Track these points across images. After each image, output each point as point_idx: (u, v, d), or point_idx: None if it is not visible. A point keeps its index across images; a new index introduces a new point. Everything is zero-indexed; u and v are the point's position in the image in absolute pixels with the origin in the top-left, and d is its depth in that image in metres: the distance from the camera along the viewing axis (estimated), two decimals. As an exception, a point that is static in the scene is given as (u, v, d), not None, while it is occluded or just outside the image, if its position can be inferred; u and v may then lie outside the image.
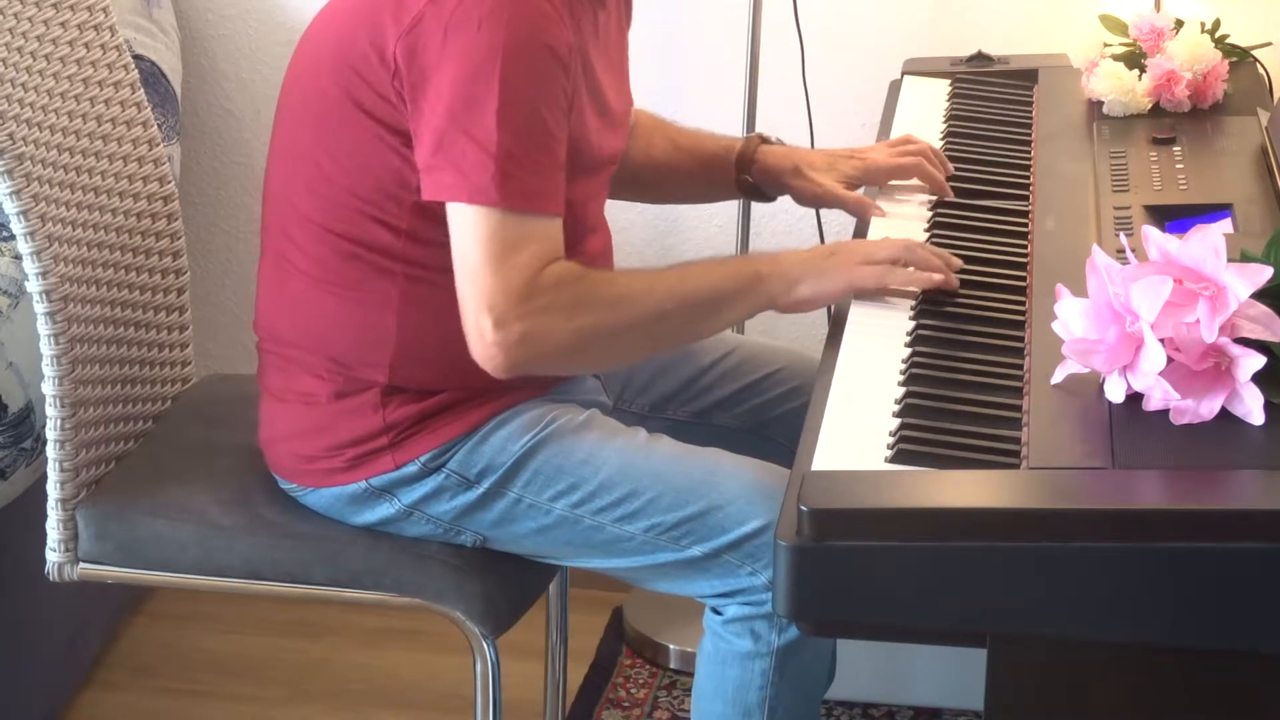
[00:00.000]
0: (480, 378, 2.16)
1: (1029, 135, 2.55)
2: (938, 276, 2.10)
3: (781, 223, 3.16)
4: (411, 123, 2.06)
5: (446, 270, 2.12)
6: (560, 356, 2.08)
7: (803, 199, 2.43)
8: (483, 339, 2.03)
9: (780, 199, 2.51)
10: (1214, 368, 1.73)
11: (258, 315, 2.28)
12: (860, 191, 2.41)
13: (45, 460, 2.28)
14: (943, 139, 2.55)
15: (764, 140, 2.45)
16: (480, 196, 2.02)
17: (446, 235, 2.09)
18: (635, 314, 2.09)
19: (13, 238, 2.24)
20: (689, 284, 2.11)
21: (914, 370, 1.92)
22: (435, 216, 2.10)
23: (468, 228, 2.04)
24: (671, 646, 3.06)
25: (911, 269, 2.11)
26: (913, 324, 2.04)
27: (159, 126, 2.51)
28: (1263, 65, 2.77)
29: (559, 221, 2.08)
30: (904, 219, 2.33)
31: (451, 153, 2.03)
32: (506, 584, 2.23)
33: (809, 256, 2.16)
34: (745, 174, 2.44)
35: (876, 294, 2.12)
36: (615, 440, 2.18)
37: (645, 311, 2.09)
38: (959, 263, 2.14)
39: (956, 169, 2.42)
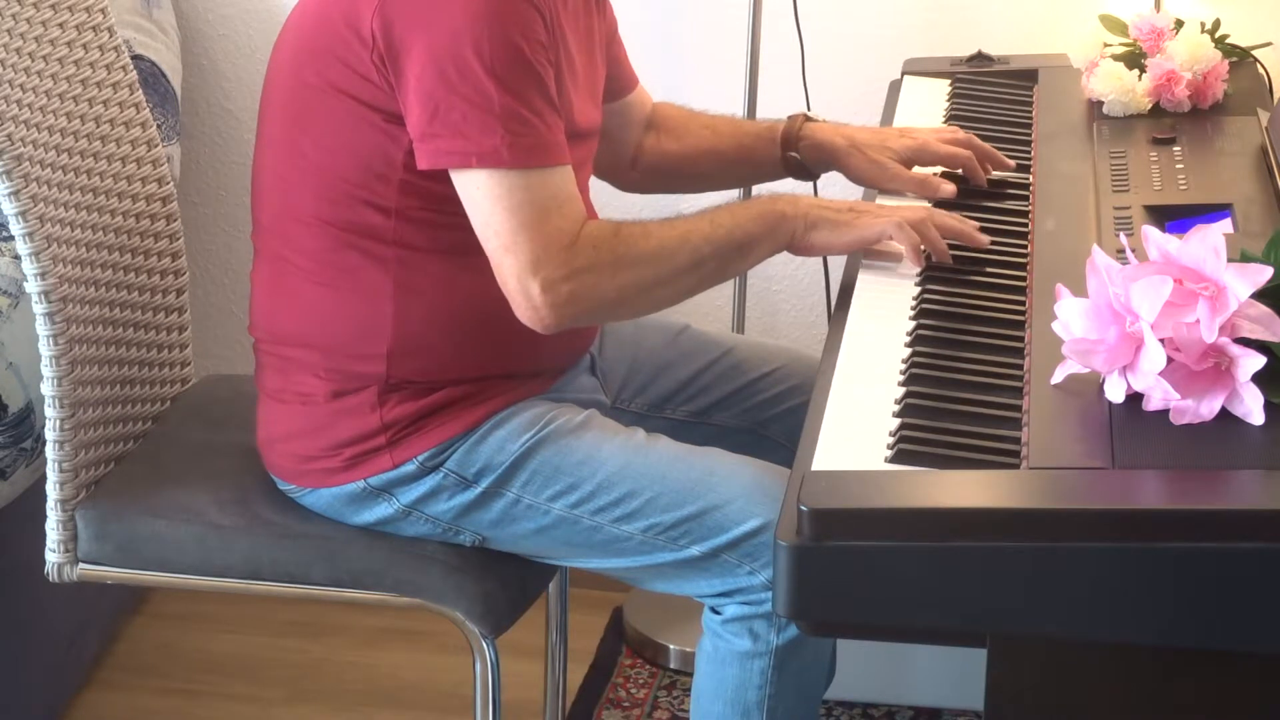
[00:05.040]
0: (478, 368, 2.18)
1: (1029, 135, 2.55)
2: (942, 248, 2.15)
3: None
4: (398, 94, 2.07)
5: (439, 253, 2.13)
6: (605, 311, 2.16)
7: (859, 176, 2.41)
8: (530, 302, 2.06)
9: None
10: (1214, 368, 1.73)
11: (253, 316, 2.28)
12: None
13: (45, 460, 2.28)
14: (943, 139, 2.55)
15: (809, 118, 2.46)
16: (492, 160, 2.04)
17: (436, 213, 2.11)
18: (672, 265, 2.13)
19: (12, 238, 2.24)
20: (720, 230, 2.15)
21: (914, 370, 1.92)
22: (424, 194, 2.11)
23: (492, 197, 2.05)
24: (671, 646, 3.06)
25: (914, 235, 2.15)
26: (913, 324, 2.04)
27: (159, 126, 2.51)
28: (1263, 65, 2.77)
29: (570, 169, 2.10)
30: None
31: (450, 118, 2.04)
32: (506, 584, 2.23)
33: (829, 204, 2.21)
34: (792, 151, 2.44)
35: (882, 253, 2.17)
36: (614, 440, 2.18)
37: (681, 262, 2.13)
38: (982, 240, 2.18)
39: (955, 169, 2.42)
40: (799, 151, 2.43)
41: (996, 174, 2.42)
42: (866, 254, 2.21)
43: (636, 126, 2.48)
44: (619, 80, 2.42)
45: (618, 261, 2.09)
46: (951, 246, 2.17)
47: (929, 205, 2.28)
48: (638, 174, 2.50)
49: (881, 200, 2.35)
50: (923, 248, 2.16)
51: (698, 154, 2.49)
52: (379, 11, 2.06)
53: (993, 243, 2.21)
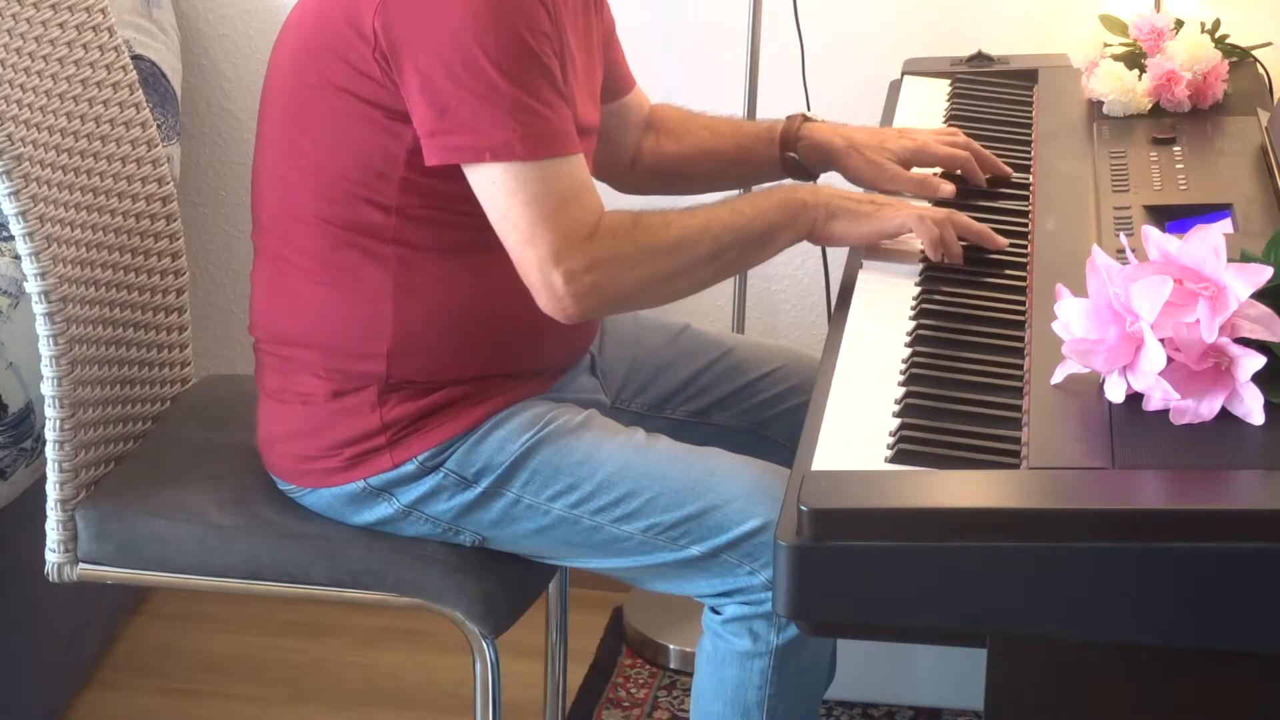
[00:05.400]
0: (478, 367, 2.18)
1: (1029, 135, 2.55)
2: (956, 252, 2.15)
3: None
4: (402, 91, 2.07)
5: (439, 252, 2.14)
6: (627, 300, 2.15)
7: (857, 177, 2.41)
8: (553, 293, 2.06)
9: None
10: (1214, 368, 1.73)
11: (254, 316, 2.28)
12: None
13: (45, 460, 2.28)
14: (943, 139, 2.55)
15: (807, 118, 2.46)
16: (505, 153, 2.04)
17: (436, 210, 2.12)
18: (694, 254, 2.13)
19: (12, 238, 2.24)
20: (741, 219, 2.15)
21: (914, 370, 1.92)
22: (424, 191, 2.11)
23: (508, 190, 2.05)
24: (671, 646, 3.06)
25: (936, 231, 2.15)
26: (913, 324, 2.04)
27: (159, 126, 2.51)
28: (1263, 65, 2.77)
29: (583, 159, 2.11)
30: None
31: (460, 113, 2.04)
32: (506, 584, 2.23)
33: (849, 195, 2.21)
34: (790, 151, 2.44)
35: (894, 249, 2.19)
36: (613, 440, 2.18)
37: (702, 251, 2.13)
38: (1001, 242, 2.18)
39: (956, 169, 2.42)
40: (797, 152, 2.44)
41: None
42: (874, 250, 2.21)
43: (635, 128, 2.48)
44: (617, 81, 2.42)
45: (639, 251, 2.09)
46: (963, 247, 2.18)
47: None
48: (637, 175, 2.51)
49: None
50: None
51: (697, 155, 2.49)
52: (381, 9, 2.06)
53: (994, 243, 2.21)
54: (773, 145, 2.45)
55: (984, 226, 2.19)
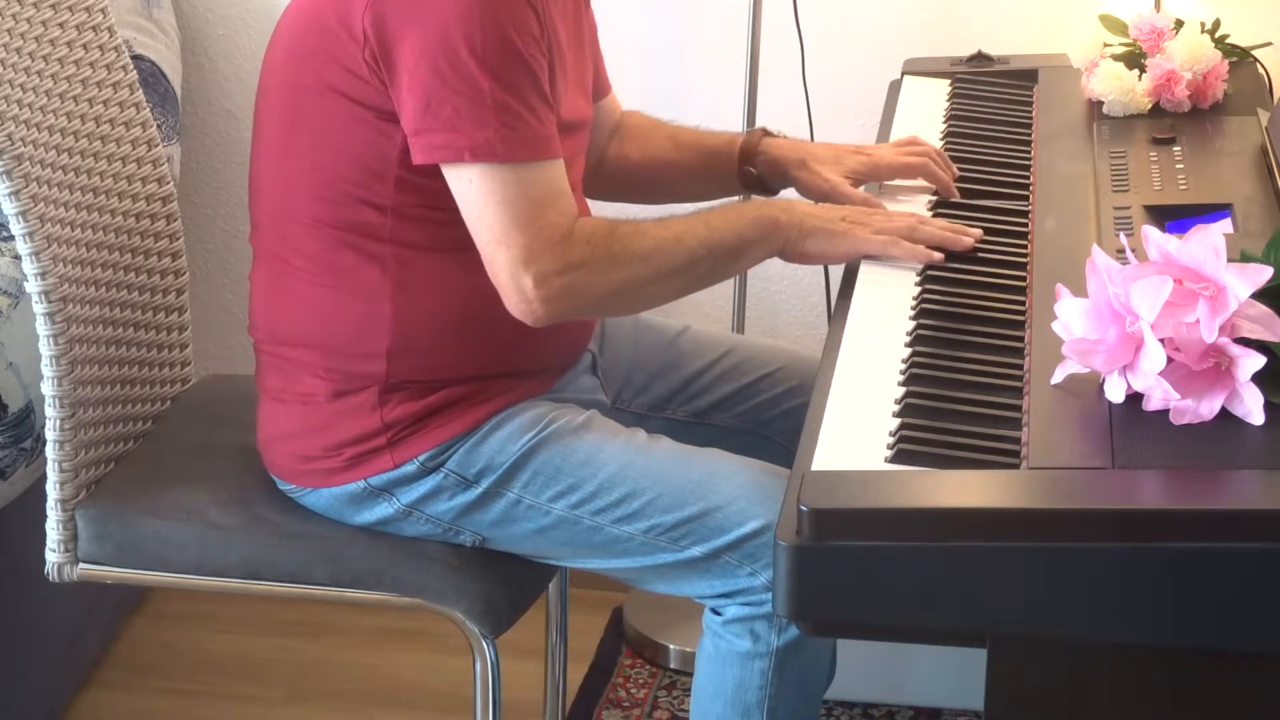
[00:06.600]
0: (478, 366, 2.18)
1: (1029, 135, 2.55)
2: (938, 255, 2.16)
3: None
4: (391, 91, 2.07)
5: (436, 251, 2.14)
6: (596, 307, 2.17)
7: (808, 192, 2.41)
8: (522, 295, 2.07)
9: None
10: (1214, 368, 1.73)
11: (253, 317, 2.28)
12: (862, 189, 2.41)
13: (45, 460, 2.28)
14: (943, 139, 2.55)
15: (767, 133, 2.46)
16: (485, 154, 2.04)
17: (432, 209, 2.12)
18: (666, 264, 2.13)
19: (12, 238, 2.24)
20: (715, 233, 2.16)
21: (914, 370, 1.92)
22: (420, 190, 2.11)
23: (485, 191, 2.05)
24: (671, 646, 3.06)
25: (915, 245, 2.16)
26: (913, 324, 2.04)
27: (159, 126, 2.51)
28: (1263, 65, 2.77)
29: (563, 164, 2.10)
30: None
31: (443, 112, 2.04)
32: (506, 584, 2.23)
33: (821, 212, 2.21)
34: (749, 166, 2.44)
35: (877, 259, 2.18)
36: (615, 441, 2.18)
37: (675, 262, 2.14)
38: (976, 233, 2.19)
39: (957, 169, 2.42)
40: (755, 166, 2.44)
41: (997, 174, 2.42)
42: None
43: (604, 132, 2.48)
44: (595, 85, 2.41)
45: (612, 258, 2.09)
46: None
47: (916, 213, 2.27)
48: (601, 180, 2.49)
49: None
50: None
51: (659, 165, 2.49)
52: (370, 8, 2.06)
53: (993, 243, 2.21)
54: (732, 159, 2.45)
55: (948, 235, 2.18)
